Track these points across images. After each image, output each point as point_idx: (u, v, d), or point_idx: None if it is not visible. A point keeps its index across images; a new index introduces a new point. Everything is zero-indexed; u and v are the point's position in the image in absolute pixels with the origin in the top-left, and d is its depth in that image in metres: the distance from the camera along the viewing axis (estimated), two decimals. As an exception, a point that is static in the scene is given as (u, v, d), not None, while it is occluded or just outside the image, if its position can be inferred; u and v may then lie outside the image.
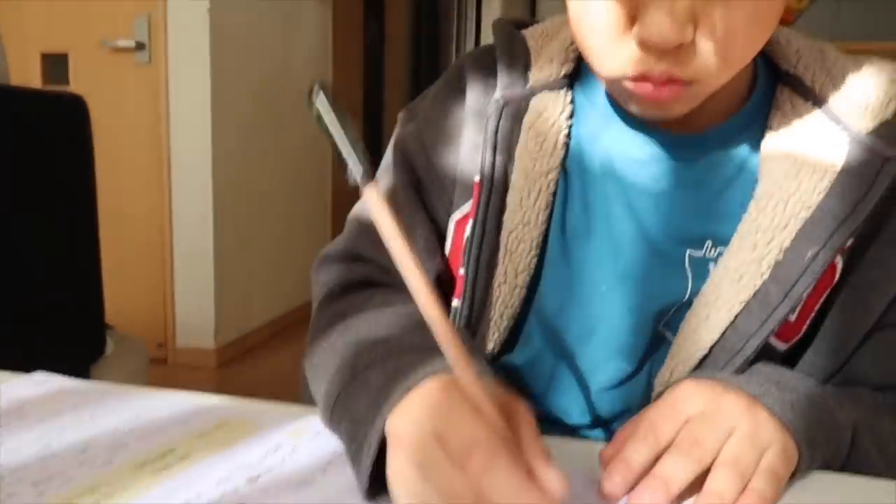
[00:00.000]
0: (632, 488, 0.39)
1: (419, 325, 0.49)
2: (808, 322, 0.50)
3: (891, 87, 0.49)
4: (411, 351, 0.44)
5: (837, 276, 0.49)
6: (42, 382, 0.53)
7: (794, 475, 0.41)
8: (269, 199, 2.88)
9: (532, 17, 0.62)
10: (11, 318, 1.26)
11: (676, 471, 0.38)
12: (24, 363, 0.56)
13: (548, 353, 0.55)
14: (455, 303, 0.54)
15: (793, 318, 0.49)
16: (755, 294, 0.48)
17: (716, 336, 0.49)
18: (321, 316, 0.56)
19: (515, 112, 0.54)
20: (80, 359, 1.41)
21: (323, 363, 0.49)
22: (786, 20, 2.26)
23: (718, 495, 0.37)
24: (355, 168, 0.33)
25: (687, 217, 0.51)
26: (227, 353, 2.60)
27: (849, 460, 0.44)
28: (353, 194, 0.61)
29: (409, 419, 0.36)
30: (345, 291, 0.57)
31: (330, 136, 0.33)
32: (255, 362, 2.64)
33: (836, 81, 0.50)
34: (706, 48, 0.42)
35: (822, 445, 0.42)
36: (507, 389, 0.38)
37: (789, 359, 0.51)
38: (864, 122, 0.48)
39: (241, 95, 2.63)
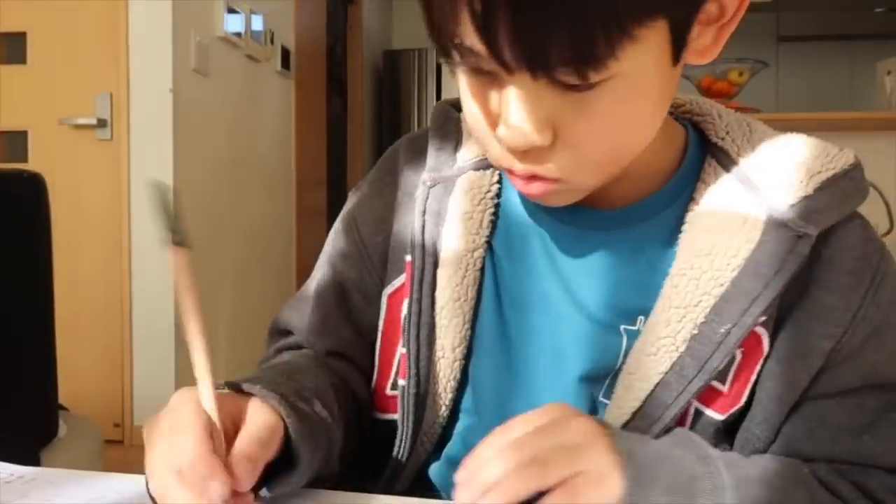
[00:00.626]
0: None
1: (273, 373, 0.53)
2: (745, 392, 0.50)
3: (813, 163, 0.49)
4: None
5: (767, 346, 0.49)
6: (-7, 469, 0.51)
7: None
8: (231, 277, 2.85)
9: None
10: (-42, 403, 1.22)
11: (495, 466, 0.41)
12: (-29, 449, 0.54)
13: (492, 424, 0.55)
14: (401, 382, 0.55)
15: (724, 388, 0.49)
16: (672, 367, 0.48)
17: (636, 405, 0.49)
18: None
19: (442, 192, 0.56)
20: (32, 442, 1.36)
21: None
22: (727, 93, 2.40)
23: (506, 486, 0.40)
24: (163, 233, 0.43)
25: (620, 292, 0.52)
26: (187, 432, 2.52)
27: None
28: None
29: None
30: (274, 356, 0.63)
31: (155, 212, 0.42)
32: (216, 441, 2.56)
33: (761, 155, 0.51)
34: (565, 153, 0.44)
35: (663, 482, 0.43)
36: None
37: (733, 430, 0.51)
38: (783, 197, 0.48)
39: (203, 173, 2.64)
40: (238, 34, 2.82)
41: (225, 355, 2.80)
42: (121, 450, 2.40)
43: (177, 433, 0.40)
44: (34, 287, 1.39)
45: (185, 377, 2.49)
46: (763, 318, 0.48)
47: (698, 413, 0.50)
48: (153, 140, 2.42)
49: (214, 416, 0.42)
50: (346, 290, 0.61)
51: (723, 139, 0.53)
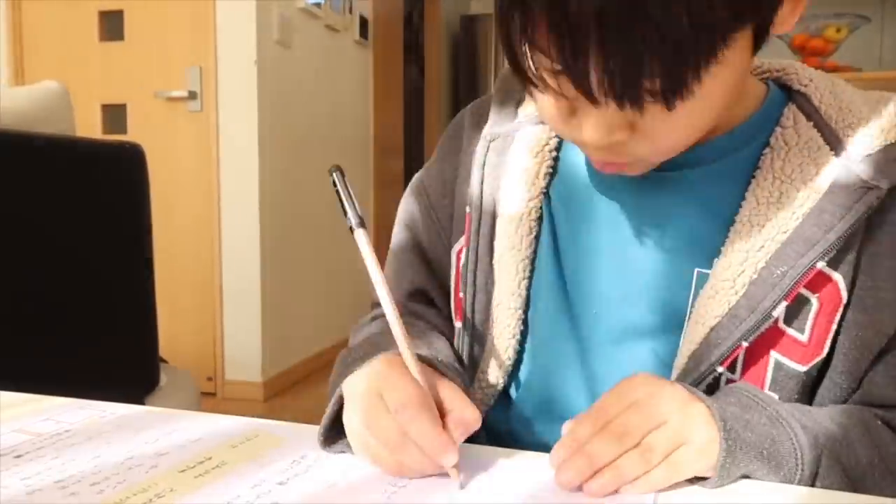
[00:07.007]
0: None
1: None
2: (827, 343, 0.50)
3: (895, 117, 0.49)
4: (378, 349, 0.51)
5: (845, 294, 0.49)
6: (93, 407, 0.59)
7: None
8: (314, 239, 2.97)
9: None
10: (74, 353, 1.35)
11: (601, 449, 0.42)
12: (84, 394, 0.62)
13: (548, 375, 0.58)
14: (457, 324, 0.60)
15: (803, 338, 0.50)
16: (729, 310, 0.49)
17: (693, 348, 0.51)
18: (354, 330, 0.66)
19: (502, 146, 0.59)
20: (136, 390, 1.49)
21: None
22: (823, 51, 2.26)
23: (618, 471, 0.42)
24: (352, 218, 0.49)
25: (695, 235, 0.52)
26: (274, 386, 2.68)
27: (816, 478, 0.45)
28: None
29: (358, 382, 0.47)
30: (371, 309, 0.68)
31: (338, 198, 0.51)
32: (300, 395, 2.71)
33: (842, 104, 0.51)
34: (639, 145, 0.46)
35: (754, 450, 0.44)
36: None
37: (816, 383, 0.51)
38: (861, 145, 0.49)
39: (287, 140, 2.75)
40: (318, 5, 2.88)
41: (313, 322, 2.94)
42: (213, 400, 2.58)
43: (408, 413, 0.42)
44: (137, 250, 1.52)
45: (269, 336, 2.64)
46: (820, 264, 0.48)
47: (779, 365, 0.50)
48: (239, 111, 2.54)
49: (426, 389, 0.45)
50: (422, 249, 0.65)
51: (806, 86, 0.53)
